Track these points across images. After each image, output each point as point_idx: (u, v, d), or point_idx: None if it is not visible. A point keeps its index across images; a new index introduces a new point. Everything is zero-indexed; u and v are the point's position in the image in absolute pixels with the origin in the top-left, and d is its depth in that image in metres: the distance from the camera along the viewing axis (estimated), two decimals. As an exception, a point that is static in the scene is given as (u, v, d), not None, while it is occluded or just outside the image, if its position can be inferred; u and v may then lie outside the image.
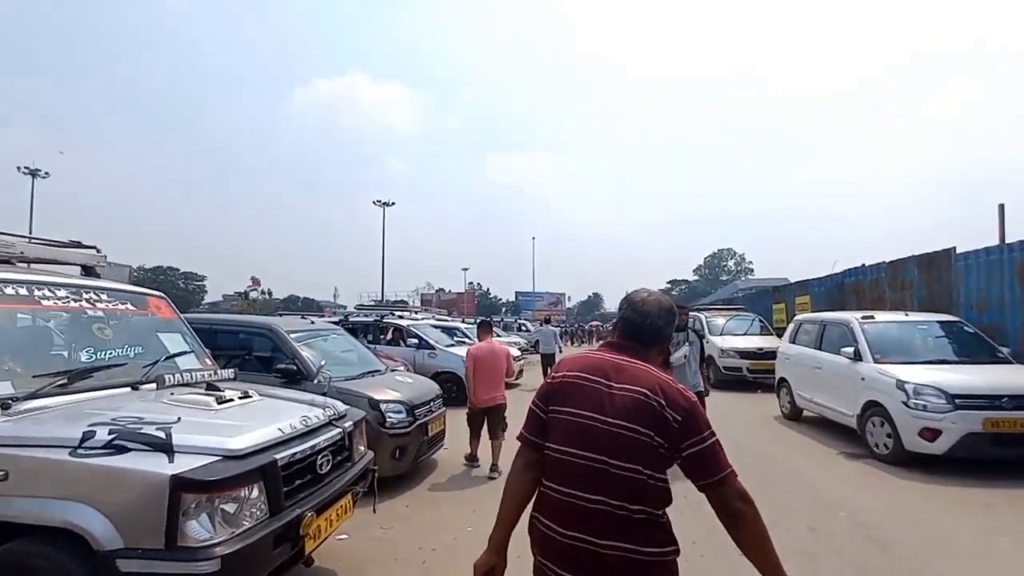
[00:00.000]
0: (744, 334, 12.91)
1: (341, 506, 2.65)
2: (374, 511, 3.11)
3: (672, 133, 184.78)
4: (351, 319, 10.70)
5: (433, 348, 10.00)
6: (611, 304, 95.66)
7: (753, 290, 25.25)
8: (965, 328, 6.10)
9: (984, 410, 4.79)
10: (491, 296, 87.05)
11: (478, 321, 6.98)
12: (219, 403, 2.51)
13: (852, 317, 6.49)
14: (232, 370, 3.45)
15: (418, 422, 4.78)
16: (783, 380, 8.20)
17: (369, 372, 5.31)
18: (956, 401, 4.87)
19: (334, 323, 10.54)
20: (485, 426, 5.41)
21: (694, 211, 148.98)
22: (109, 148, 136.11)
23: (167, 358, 3.06)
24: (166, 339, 3.29)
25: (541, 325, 17.75)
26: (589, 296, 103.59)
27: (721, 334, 12.87)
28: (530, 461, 1.42)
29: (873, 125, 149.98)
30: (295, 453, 2.34)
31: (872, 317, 6.35)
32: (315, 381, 4.32)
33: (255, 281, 56.13)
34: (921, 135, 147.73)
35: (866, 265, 9.44)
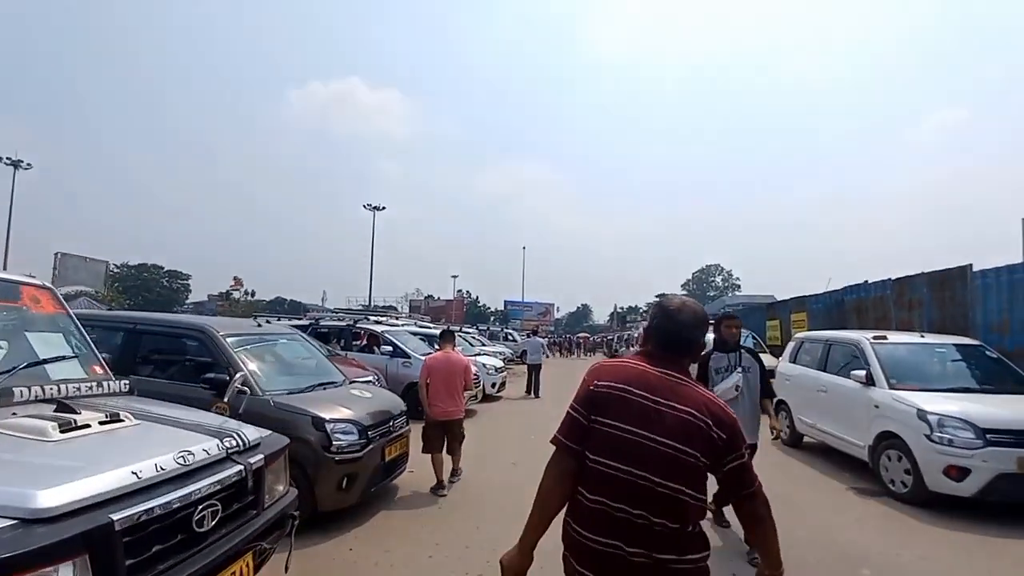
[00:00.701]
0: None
1: (233, 574, 1.97)
2: (285, 569, 2.39)
3: (664, 148, 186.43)
4: (322, 323, 9.98)
5: (408, 356, 9.30)
6: (599, 316, 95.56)
7: (741, 306, 24.88)
8: (987, 353, 5.56)
9: (1018, 447, 4.22)
10: (480, 304, 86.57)
11: (440, 329, 6.39)
12: (62, 431, 1.83)
13: (863, 337, 5.93)
14: (126, 381, 2.77)
15: (372, 445, 4.09)
16: (782, 403, 7.60)
17: (322, 384, 4.61)
18: (987, 436, 4.30)
19: (301, 327, 9.86)
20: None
21: (684, 226, 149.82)
22: (97, 145, 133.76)
23: (30, 365, 2.37)
24: (38, 340, 2.60)
25: (528, 336, 18.31)
26: (578, 307, 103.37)
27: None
28: (568, 469, 1.42)
29: (858, 149, 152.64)
30: (151, 508, 1.65)
31: (884, 337, 5.79)
32: (225, 399, 3.62)
33: (237, 281, 54.82)
34: (905, 160, 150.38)
35: (869, 282, 8.95)
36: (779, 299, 21.90)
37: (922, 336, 5.90)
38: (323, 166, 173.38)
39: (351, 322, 9.73)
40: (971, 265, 6.59)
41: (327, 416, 3.88)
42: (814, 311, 10.99)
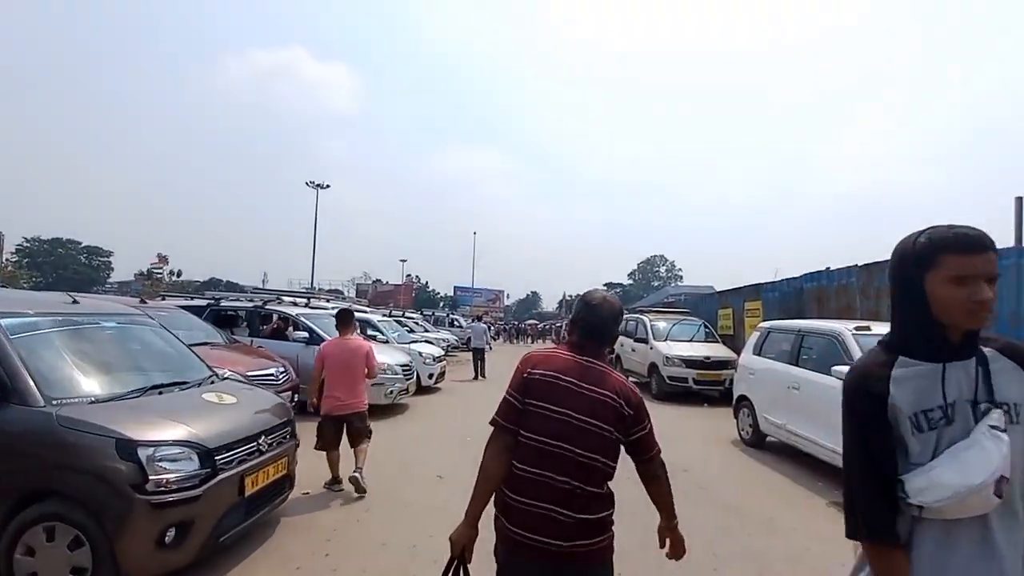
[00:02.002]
0: (690, 340, 11.80)
1: None
2: None
3: (614, 142, 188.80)
4: (223, 304, 8.44)
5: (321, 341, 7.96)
6: (548, 303, 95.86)
7: (684, 296, 24.81)
8: (977, 347, 4.97)
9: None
10: (430, 290, 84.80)
11: (337, 311, 5.31)
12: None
13: (843, 328, 5.22)
14: None
15: (223, 476, 2.86)
16: (744, 399, 6.92)
17: (160, 387, 3.30)
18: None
19: (195, 308, 8.30)
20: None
21: (630, 218, 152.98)
22: (6, 106, 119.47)
23: None
24: None
25: (473, 322, 19.14)
26: (528, 294, 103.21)
27: (666, 339, 11.69)
28: (507, 445, 1.62)
29: (788, 151, 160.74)
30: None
31: (868, 328, 5.10)
32: None
33: (161, 259, 50.24)
34: (830, 162, 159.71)
35: (831, 269, 8.43)
36: (718, 289, 21.94)
37: (907, 327, 5.26)
38: (264, 140, 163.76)
39: (259, 303, 8.27)
40: (951, 250, 6.04)
41: (143, 437, 2.61)
42: (769, 300, 10.50)
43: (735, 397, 7.20)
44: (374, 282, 73.91)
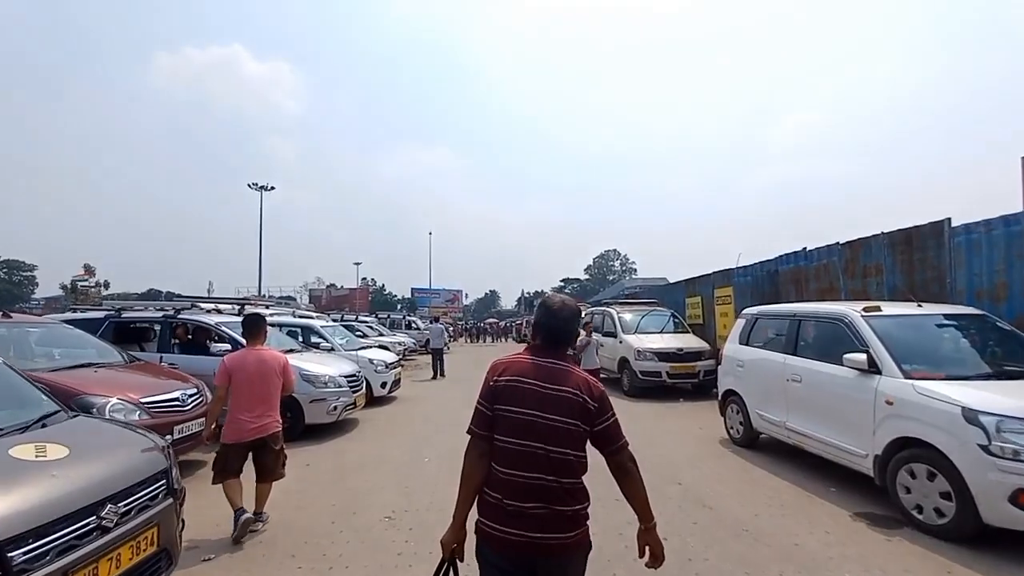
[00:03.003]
0: (660, 332, 11.21)
1: None
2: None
3: (565, 137, 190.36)
4: (126, 314, 7.06)
5: (256, 357, 6.77)
6: (507, 302, 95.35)
7: (639, 288, 24.46)
8: (998, 325, 4.42)
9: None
10: (386, 292, 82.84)
11: (244, 316, 4.30)
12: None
13: (849, 309, 4.58)
14: None
15: (19, 582, 1.80)
16: (732, 394, 6.26)
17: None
18: (1073, 445, 2.95)
19: (87, 321, 6.92)
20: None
21: (584, 214, 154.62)
22: None
23: None
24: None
25: (432, 323, 18.79)
26: (486, 293, 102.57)
27: (635, 332, 11.05)
28: (483, 451, 1.68)
29: (728, 144, 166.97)
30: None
31: (878, 308, 4.47)
32: None
33: (88, 270, 45.94)
34: (765, 157, 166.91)
35: (809, 249, 7.93)
36: (672, 281, 21.65)
37: (919, 306, 4.67)
38: (204, 142, 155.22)
39: (171, 312, 6.96)
40: (949, 220, 5.58)
41: None
42: (741, 285, 10.00)
43: (721, 392, 6.53)
44: (328, 287, 71.51)
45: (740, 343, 6.22)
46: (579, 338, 7.88)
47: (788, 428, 5.13)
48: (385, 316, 27.77)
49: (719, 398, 6.62)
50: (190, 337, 7.38)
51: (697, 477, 5.05)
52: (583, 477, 1.68)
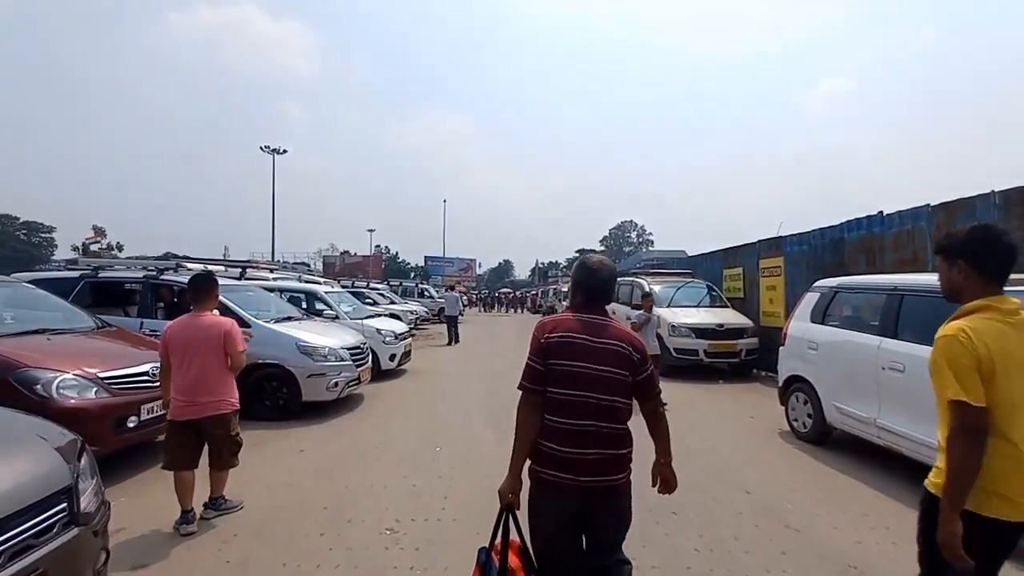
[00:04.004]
0: (696, 306, 10.21)
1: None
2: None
3: (584, 106, 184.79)
4: (102, 274, 6.27)
5: (246, 324, 5.97)
6: (521, 271, 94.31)
7: (655, 260, 23.13)
8: None
9: None
10: (400, 260, 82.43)
11: (191, 277, 3.44)
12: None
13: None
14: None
15: None
16: (797, 380, 5.31)
17: None
18: None
19: (57, 281, 6.17)
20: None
21: (601, 183, 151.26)
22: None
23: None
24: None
25: (446, 291, 19.80)
26: (500, 263, 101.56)
27: (669, 306, 10.06)
28: (536, 403, 1.78)
29: (754, 114, 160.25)
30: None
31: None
32: None
33: (98, 231, 45.64)
34: (795, 125, 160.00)
35: (887, 213, 6.79)
36: (689, 254, 20.36)
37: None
38: (217, 105, 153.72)
39: (153, 272, 6.14)
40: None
41: None
42: (793, 254, 8.89)
43: (782, 378, 5.58)
44: (342, 254, 71.16)
45: (812, 321, 5.23)
46: (636, 315, 6.86)
47: (879, 426, 4.18)
48: (397, 284, 27.04)
49: (780, 384, 5.67)
50: (176, 301, 6.59)
51: (765, 482, 4.16)
52: (627, 423, 1.81)
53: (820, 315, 5.15)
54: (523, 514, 1.84)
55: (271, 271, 11.72)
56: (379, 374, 8.49)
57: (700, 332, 9.16)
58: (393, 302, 19.14)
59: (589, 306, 1.86)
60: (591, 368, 1.72)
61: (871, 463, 4.49)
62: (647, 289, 8.75)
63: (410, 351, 9.85)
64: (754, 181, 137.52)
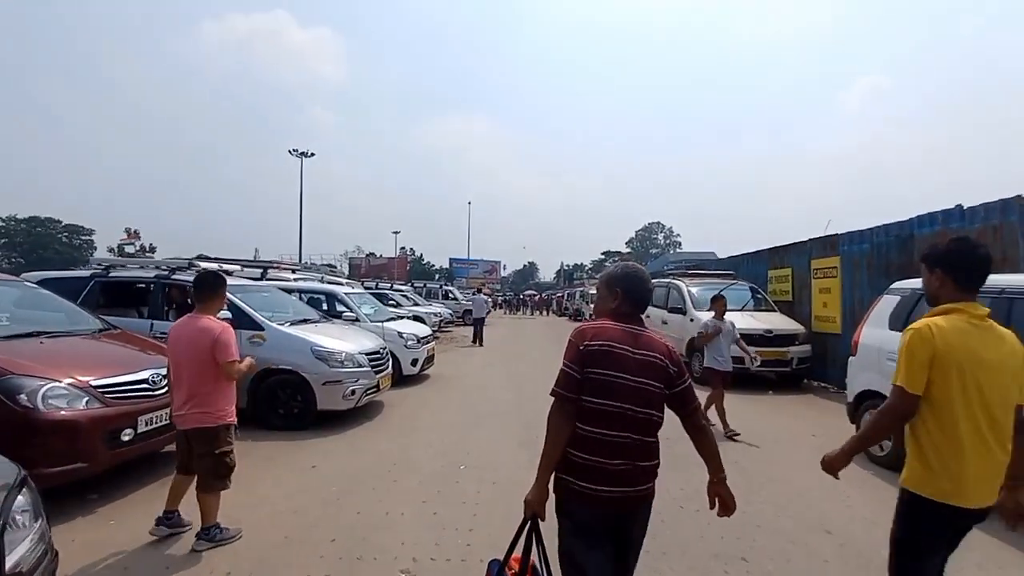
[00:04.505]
0: (741, 310, 9.46)
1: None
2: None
3: (609, 107, 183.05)
4: (113, 273, 6.01)
5: (261, 328, 5.59)
6: (546, 274, 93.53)
7: (684, 262, 22.02)
8: None
9: None
10: (424, 262, 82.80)
11: (195, 276, 3.02)
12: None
13: None
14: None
15: None
16: (873, 395, 4.62)
17: None
18: None
19: (73, 281, 5.93)
20: None
21: (627, 184, 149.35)
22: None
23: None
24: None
25: (474, 294, 19.72)
26: (524, 265, 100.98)
27: (709, 309, 9.33)
28: (570, 412, 1.70)
29: (795, 112, 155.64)
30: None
31: None
32: None
33: (132, 234, 46.98)
34: (835, 123, 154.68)
35: (965, 208, 6.00)
36: (719, 256, 19.24)
37: None
38: (249, 111, 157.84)
39: (165, 271, 5.85)
40: None
41: None
42: (852, 254, 8.09)
43: (853, 392, 4.89)
44: (367, 256, 71.87)
45: (892, 328, 4.53)
46: (706, 322, 5.93)
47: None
48: (421, 285, 26.77)
49: (849, 399, 4.98)
50: (189, 302, 6.26)
51: (847, 519, 3.52)
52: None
53: (902, 321, 4.45)
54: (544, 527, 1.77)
55: (293, 272, 11.46)
56: (400, 380, 8.06)
57: (747, 338, 8.42)
58: (417, 304, 18.80)
59: (630, 316, 1.82)
60: (630, 380, 1.68)
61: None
62: (687, 294, 8.07)
63: (433, 356, 9.41)
64: (787, 182, 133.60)
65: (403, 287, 21.83)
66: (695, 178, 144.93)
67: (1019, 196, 5.36)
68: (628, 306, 1.82)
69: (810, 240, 9.33)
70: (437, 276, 64.34)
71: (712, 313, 6.02)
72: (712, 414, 5.60)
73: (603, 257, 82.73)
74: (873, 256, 7.60)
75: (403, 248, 78.22)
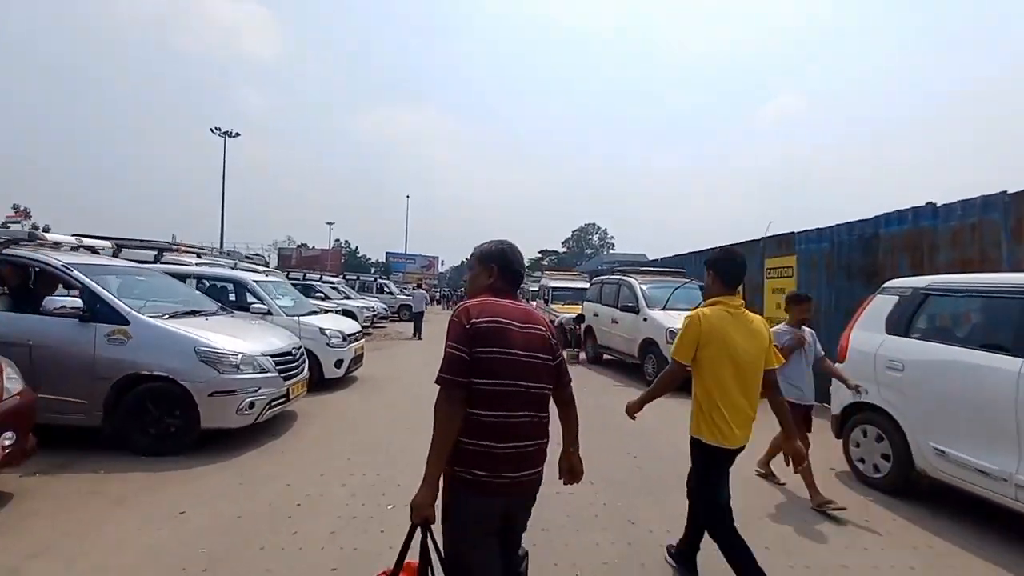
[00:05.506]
0: (692, 309, 9.01)
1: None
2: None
3: (548, 108, 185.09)
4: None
5: (123, 320, 4.26)
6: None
7: (617, 263, 21.98)
8: None
9: None
10: (360, 255, 79.58)
11: None
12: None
13: None
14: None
15: None
16: (864, 409, 4.09)
17: None
18: None
19: None
20: None
21: (563, 185, 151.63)
22: None
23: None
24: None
25: (413, 289, 20.56)
26: (462, 260, 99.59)
27: (664, 308, 8.84)
28: (461, 398, 1.56)
29: (711, 124, 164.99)
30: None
31: None
32: None
33: (19, 211, 40.90)
34: (753, 139, 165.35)
35: (941, 204, 5.72)
36: (650, 258, 19.36)
37: None
38: (165, 87, 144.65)
39: (-5, 243, 4.34)
40: None
41: None
42: (809, 253, 7.79)
43: (840, 405, 4.36)
44: (299, 247, 67.97)
45: (890, 332, 4.01)
46: (781, 332, 3.83)
47: (1021, 485, 2.97)
48: (355, 278, 25.08)
49: (835, 412, 4.45)
50: (32, 285, 4.77)
51: (850, 554, 2.87)
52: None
53: (903, 325, 3.94)
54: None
55: (199, 256, 9.82)
56: (321, 384, 6.87)
57: (702, 340, 7.96)
58: (348, 297, 17.32)
59: (508, 291, 1.78)
60: (521, 355, 1.62)
61: (991, 530, 3.29)
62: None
63: (362, 355, 8.22)
64: (713, 190, 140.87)
65: (333, 279, 20.17)
66: (628, 182, 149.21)
67: (1004, 192, 5.08)
68: (503, 282, 1.78)
69: (763, 238, 9.04)
70: (373, 270, 61.94)
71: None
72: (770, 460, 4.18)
73: (540, 255, 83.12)
74: (833, 255, 7.31)
75: (338, 240, 74.60)
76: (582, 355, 11.59)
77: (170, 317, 4.62)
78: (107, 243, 5.68)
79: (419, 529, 1.56)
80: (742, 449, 2.37)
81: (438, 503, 1.57)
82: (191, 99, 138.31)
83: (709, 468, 2.39)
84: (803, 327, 3.97)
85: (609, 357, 10.66)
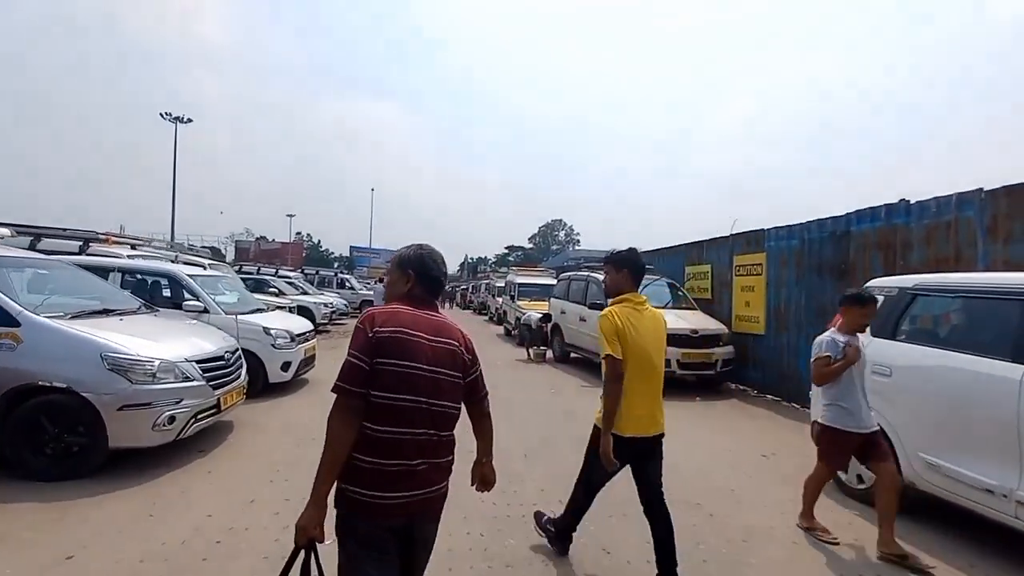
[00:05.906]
0: (663, 308, 8.79)
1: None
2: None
3: (516, 102, 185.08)
4: None
5: (12, 321, 3.60)
6: (450, 266, 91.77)
7: (583, 259, 21.96)
8: None
9: None
10: (323, 249, 77.35)
11: None
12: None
13: None
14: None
15: None
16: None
17: None
18: None
19: None
20: None
21: (531, 182, 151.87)
22: None
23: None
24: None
25: (375, 283, 18.83)
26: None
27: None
28: (357, 409, 1.47)
29: (675, 125, 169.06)
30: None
31: None
32: None
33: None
34: (708, 141, 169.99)
35: (914, 201, 5.61)
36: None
37: None
38: (115, 69, 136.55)
39: None
40: None
41: None
42: (779, 250, 7.66)
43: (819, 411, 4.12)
44: (258, 239, 65.54)
45: (875, 335, 3.78)
46: (827, 341, 3.21)
47: (1021, 501, 2.75)
48: (313, 272, 24.03)
49: (816, 418, 4.21)
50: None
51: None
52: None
53: (890, 327, 3.72)
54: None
55: (133, 247, 8.95)
56: (265, 390, 6.26)
57: (671, 339, 7.67)
58: (306, 293, 16.47)
59: (425, 300, 1.68)
60: (425, 370, 1.52)
61: (980, 546, 3.09)
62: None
63: (314, 356, 7.61)
64: (666, 193, 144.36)
65: (290, 273, 19.21)
66: (595, 183, 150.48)
67: (980, 189, 4.96)
68: (421, 290, 1.69)
69: (732, 235, 8.88)
70: (336, 264, 60.23)
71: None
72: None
73: (506, 251, 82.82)
74: (803, 253, 7.18)
75: (299, 233, 72.20)
76: (549, 354, 11.27)
77: (73, 317, 3.96)
78: (5, 230, 4.91)
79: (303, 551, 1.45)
80: (645, 440, 2.52)
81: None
82: (138, 81, 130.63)
83: (621, 458, 2.51)
84: (858, 335, 3.19)
85: (576, 356, 10.37)
